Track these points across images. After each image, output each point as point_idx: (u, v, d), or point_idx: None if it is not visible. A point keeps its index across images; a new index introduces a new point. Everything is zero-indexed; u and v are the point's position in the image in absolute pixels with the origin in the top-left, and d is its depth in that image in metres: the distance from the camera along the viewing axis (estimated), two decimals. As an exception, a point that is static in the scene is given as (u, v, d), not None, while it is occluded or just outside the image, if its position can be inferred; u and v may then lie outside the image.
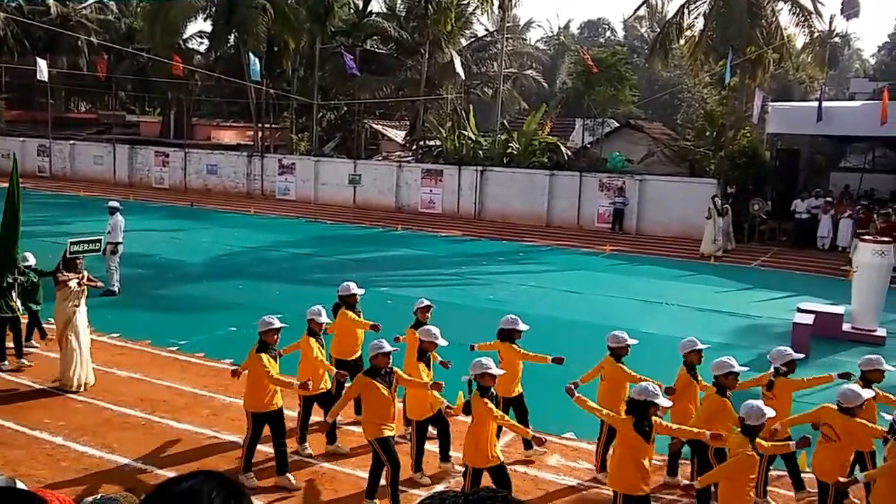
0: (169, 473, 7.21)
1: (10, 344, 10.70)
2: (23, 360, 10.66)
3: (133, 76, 43.54)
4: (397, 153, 37.76)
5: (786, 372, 7.53)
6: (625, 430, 6.14)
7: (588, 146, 32.57)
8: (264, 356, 7.45)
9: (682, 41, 33.14)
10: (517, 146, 31.40)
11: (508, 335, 8.09)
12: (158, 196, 33.56)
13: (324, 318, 8.31)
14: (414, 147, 36.37)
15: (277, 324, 7.66)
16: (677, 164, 30.12)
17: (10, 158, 13.15)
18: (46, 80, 34.00)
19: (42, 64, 32.39)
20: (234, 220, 27.61)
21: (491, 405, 6.55)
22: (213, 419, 8.99)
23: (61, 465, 7.64)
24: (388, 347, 7.05)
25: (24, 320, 11.15)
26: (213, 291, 15.98)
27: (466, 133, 32.83)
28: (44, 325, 11.53)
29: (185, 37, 41.29)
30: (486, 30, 42.32)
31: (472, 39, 41.12)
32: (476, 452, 6.62)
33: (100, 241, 10.51)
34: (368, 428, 7.05)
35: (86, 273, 10.23)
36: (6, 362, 10.56)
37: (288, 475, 7.47)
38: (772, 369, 7.63)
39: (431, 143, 35.21)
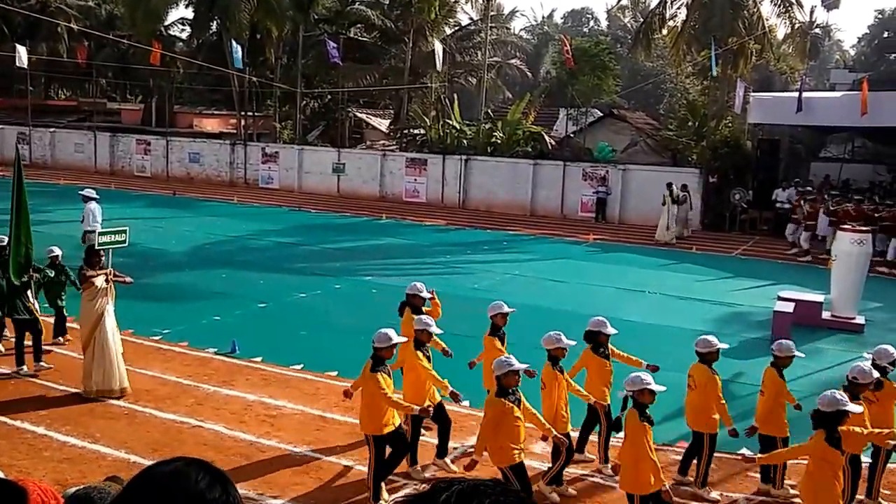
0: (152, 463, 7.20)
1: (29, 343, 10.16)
2: (41, 364, 10.03)
3: (114, 63, 43.07)
4: (381, 142, 37.65)
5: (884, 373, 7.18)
6: (817, 450, 5.85)
7: (571, 136, 32.63)
8: (380, 376, 6.82)
9: (664, 31, 33.31)
10: (501, 135, 31.40)
11: (595, 337, 7.77)
12: (140, 184, 33.29)
13: (434, 329, 7.68)
14: (398, 136, 36.29)
15: (396, 338, 7.08)
16: (660, 154, 30.27)
17: (14, 150, 12.42)
18: (26, 66, 33.62)
19: (21, 50, 32.01)
20: (217, 208, 27.45)
21: (648, 427, 6.13)
22: (197, 408, 8.98)
23: (43, 454, 7.61)
24: (517, 365, 6.35)
25: (51, 319, 10.79)
26: (196, 280, 15.92)
27: (450, 122, 32.80)
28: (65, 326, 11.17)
29: (166, 24, 40.98)
30: (471, 19, 42.27)
31: (456, 28, 41.01)
32: (637, 479, 6.07)
33: (126, 231, 9.56)
34: (500, 454, 6.36)
35: (112, 268, 9.47)
36: (24, 367, 9.88)
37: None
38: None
39: (416, 131, 35.12)
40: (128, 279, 9.82)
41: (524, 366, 6.50)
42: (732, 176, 26.99)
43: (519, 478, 6.31)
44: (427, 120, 33.93)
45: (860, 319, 14.19)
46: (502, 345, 8.18)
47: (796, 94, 24.93)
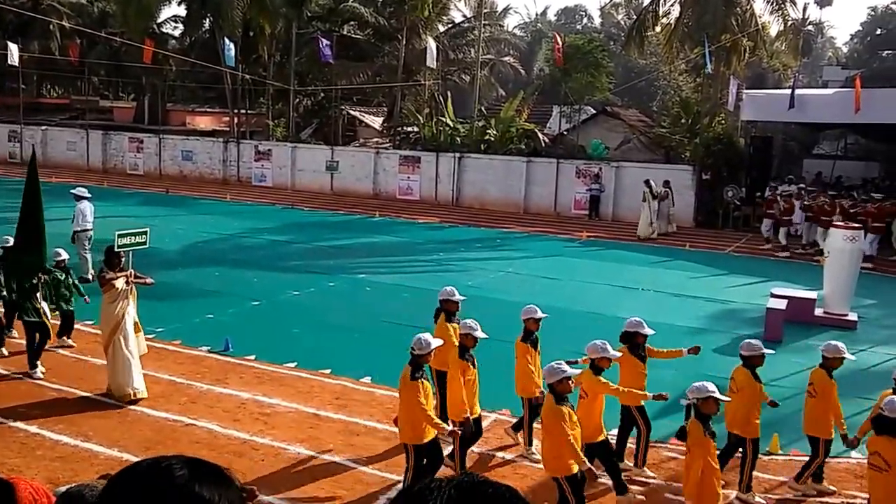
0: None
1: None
2: (36, 370, 9.76)
3: (106, 61, 42.87)
4: (375, 140, 37.59)
5: None
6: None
7: (565, 133, 32.64)
8: (420, 384, 6.66)
9: (657, 28, 33.31)
10: (495, 133, 31.39)
11: (632, 338, 7.68)
12: (133, 182, 33.16)
13: (479, 333, 7.46)
14: (391, 133, 36.23)
15: (435, 343, 6.86)
16: (653, 151, 30.31)
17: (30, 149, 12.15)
18: (17, 64, 33.45)
19: (13, 48, 31.84)
20: (210, 206, 27.38)
21: (710, 439, 5.98)
22: (190, 407, 8.96)
23: (36, 453, 7.58)
24: (570, 371, 6.21)
25: (57, 322, 10.72)
26: (189, 279, 15.86)
27: (444, 120, 32.75)
28: (76, 327, 11.12)
29: (159, 21, 40.82)
30: (464, 16, 42.16)
31: (450, 26, 40.93)
32: (702, 494, 5.93)
33: (146, 233, 9.40)
34: (554, 464, 6.15)
35: (132, 270, 9.28)
36: (38, 370, 9.73)
37: None
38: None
39: (409, 129, 35.07)
40: (149, 280, 9.60)
41: (576, 371, 6.42)
42: (725, 173, 27.05)
43: (574, 491, 6.10)
44: (420, 117, 33.89)
45: (853, 316, 14.25)
46: (535, 350, 8.04)
47: (789, 91, 24.97)
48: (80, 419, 8.47)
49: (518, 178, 29.07)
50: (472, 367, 7.43)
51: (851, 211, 21.41)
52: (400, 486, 7.01)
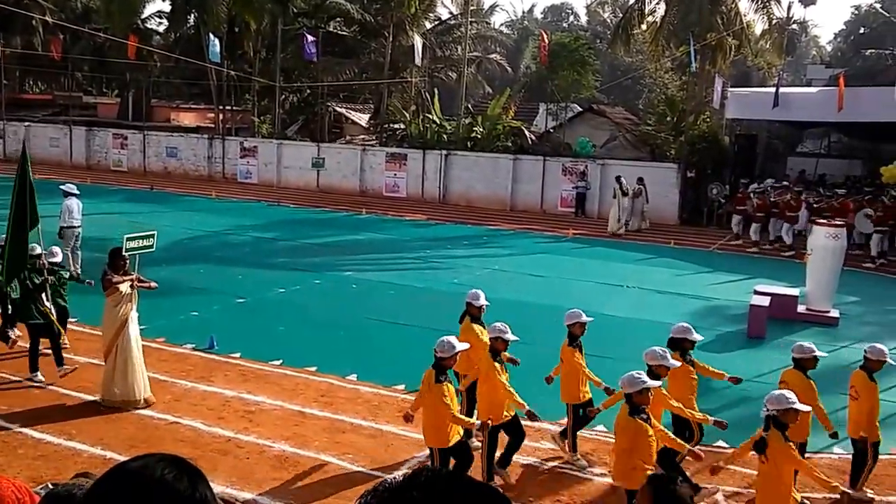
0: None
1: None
2: (65, 367, 9.56)
3: (90, 57, 42.52)
4: (361, 137, 37.52)
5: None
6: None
7: (551, 131, 32.71)
8: (444, 387, 6.58)
9: (643, 26, 33.45)
10: (481, 130, 31.41)
11: (680, 344, 7.52)
12: (117, 179, 32.93)
13: (510, 336, 7.37)
14: (378, 130, 36.18)
15: (460, 346, 6.74)
16: (639, 149, 30.42)
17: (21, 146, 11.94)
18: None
19: (-6, 43, 31.46)
20: (195, 203, 27.24)
21: (794, 449, 5.85)
22: (174, 405, 8.92)
23: (18, 452, 7.53)
24: (651, 382, 6.07)
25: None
26: (173, 276, 15.73)
27: (431, 117, 32.74)
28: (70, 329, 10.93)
29: (143, 16, 40.43)
30: (451, 13, 42.16)
31: (437, 23, 40.90)
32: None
33: (153, 236, 9.30)
34: (632, 476, 5.90)
35: (136, 274, 9.10)
36: (39, 374, 9.49)
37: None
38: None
39: (396, 126, 35.04)
40: (153, 284, 9.34)
41: (657, 383, 6.33)
42: (710, 171, 27.20)
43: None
44: (407, 115, 33.87)
45: (835, 313, 14.37)
46: (581, 355, 7.93)
47: (773, 90, 25.14)
48: (62, 417, 8.41)
49: (505, 175, 29.11)
50: (503, 370, 7.30)
51: (815, 206, 21.96)
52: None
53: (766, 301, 13.48)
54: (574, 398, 7.89)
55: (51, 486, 2.68)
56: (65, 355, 9.90)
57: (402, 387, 9.74)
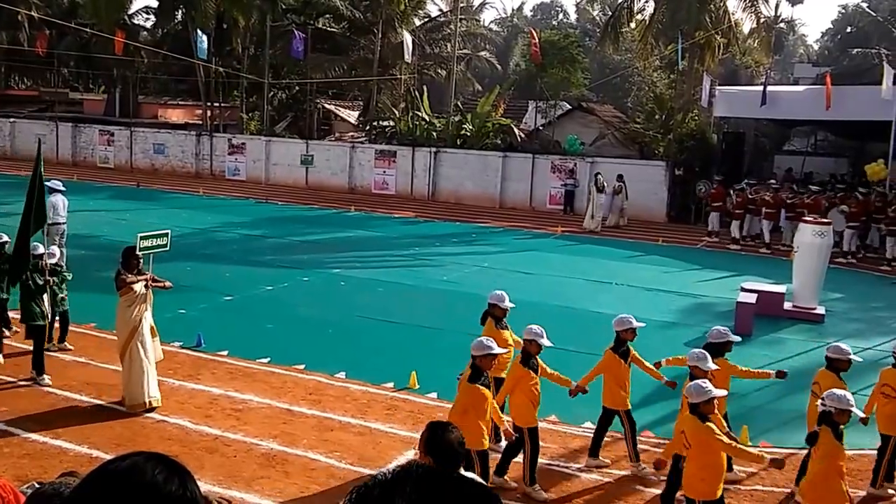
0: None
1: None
2: (38, 375, 9.31)
3: (76, 52, 42.17)
4: (350, 134, 37.43)
5: None
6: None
7: (540, 128, 32.75)
8: (478, 388, 6.44)
9: (632, 25, 33.55)
10: (471, 128, 31.40)
11: (719, 350, 7.47)
12: (103, 176, 32.73)
13: (545, 341, 7.26)
14: (367, 128, 36.09)
15: (497, 349, 6.59)
16: (627, 147, 30.51)
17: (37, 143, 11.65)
18: (-16, 55, 32.82)
19: (-21, 39, 31.17)
20: (183, 200, 27.10)
21: (843, 448, 5.98)
22: (161, 403, 8.87)
23: (3, 451, 7.48)
24: (715, 391, 6.03)
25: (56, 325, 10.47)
26: (160, 273, 15.49)
27: (420, 114, 32.69)
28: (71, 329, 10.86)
29: (130, 12, 40.20)
30: (440, 10, 42.17)
31: (426, 20, 40.86)
32: (829, 499, 5.90)
33: (167, 235, 9.06)
34: (701, 486, 5.95)
35: (150, 273, 8.89)
36: (46, 377, 9.29)
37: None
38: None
39: (385, 123, 34.97)
40: (168, 283, 9.14)
41: (723, 393, 6.37)
42: (698, 169, 27.30)
43: None
44: (396, 112, 33.80)
45: (821, 310, 14.47)
46: (626, 362, 7.78)
47: (761, 88, 25.25)
48: (49, 416, 8.36)
49: (494, 173, 29.13)
50: (534, 374, 7.24)
51: (789, 202, 22.35)
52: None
53: (752, 298, 13.55)
54: (622, 404, 7.73)
55: (36, 485, 2.66)
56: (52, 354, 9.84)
57: (390, 385, 9.75)
